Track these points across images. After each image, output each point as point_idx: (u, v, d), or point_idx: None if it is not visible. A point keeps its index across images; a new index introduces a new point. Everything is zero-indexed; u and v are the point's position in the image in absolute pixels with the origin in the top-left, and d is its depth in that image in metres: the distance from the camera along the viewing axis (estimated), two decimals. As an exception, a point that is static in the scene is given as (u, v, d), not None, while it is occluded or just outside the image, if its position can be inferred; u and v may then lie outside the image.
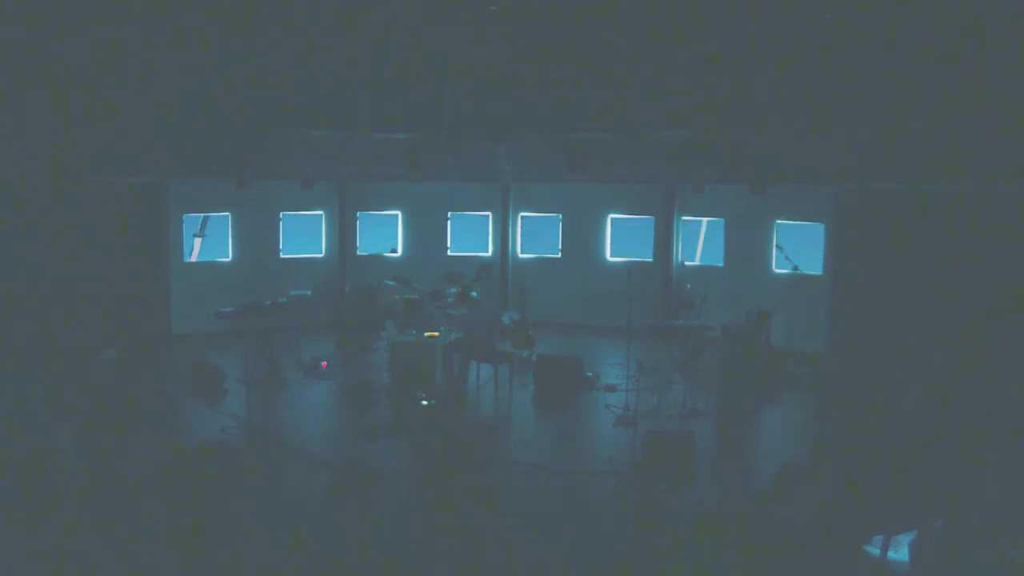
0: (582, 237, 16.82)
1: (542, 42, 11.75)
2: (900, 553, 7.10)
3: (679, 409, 11.45)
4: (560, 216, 16.99)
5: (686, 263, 15.67)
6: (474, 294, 14.55)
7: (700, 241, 18.61)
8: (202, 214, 16.16)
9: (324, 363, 13.37)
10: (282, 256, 16.40)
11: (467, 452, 9.21)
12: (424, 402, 11.53)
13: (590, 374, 12.94)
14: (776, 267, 14.92)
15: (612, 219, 16.69)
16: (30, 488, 8.09)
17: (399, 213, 17.17)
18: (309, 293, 14.43)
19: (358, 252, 17.05)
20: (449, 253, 17.05)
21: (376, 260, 16.95)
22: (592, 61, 12.01)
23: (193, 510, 8.07)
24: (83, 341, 12.63)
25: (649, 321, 14.01)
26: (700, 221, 17.59)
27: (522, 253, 17.22)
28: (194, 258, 16.32)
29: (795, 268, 13.91)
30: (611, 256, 16.70)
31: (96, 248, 13.75)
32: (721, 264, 15.72)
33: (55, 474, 8.39)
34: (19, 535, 7.47)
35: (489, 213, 17.19)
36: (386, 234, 17.31)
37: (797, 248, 14.10)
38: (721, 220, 15.74)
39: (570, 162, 13.76)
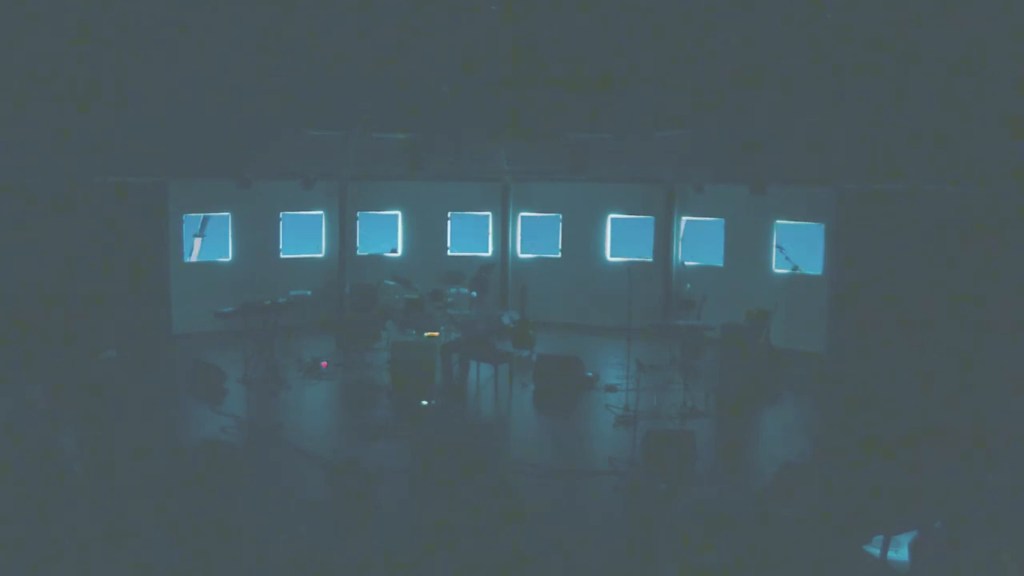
0: (582, 237, 16.83)
1: (542, 42, 11.75)
2: (900, 553, 7.10)
3: (679, 409, 11.46)
4: (560, 216, 16.99)
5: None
6: (474, 294, 14.55)
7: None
8: (202, 214, 16.10)
9: (324, 363, 13.38)
10: (282, 256, 16.41)
11: (467, 452, 9.20)
12: (424, 402, 11.54)
13: (590, 374, 12.95)
14: (776, 267, 14.93)
15: (612, 219, 16.70)
16: (33, 488, 8.09)
17: (399, 213, 17.17)
18: (309, 293, 14.43)
19: (358, 252, 17.05)
20: (449, 253, 17.06)
21: (376, 260, 16.95)
22: (592, 61, 12.01)
23: (193, 510, 8.07)
24: (83, 341, 12.63)
25: (649, 321, 14.02)
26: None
27: (522, 253, 17.23)
28: (194, 258, 16.31)
29: (795, 268, 13.90)
30: (611, 256, 16.70)
31: (96, 248, 13.75)
32: (721, 264, 15.72)
33: (58, 474, 8.38)
34: (22, 535, 7.47)
35: (489, 213, 17.19)
36: (386, 235, 17.30)
37: (797, 248, 14.10)
38: (721, 220, 15.75)
39: (573, 163, 13.76)
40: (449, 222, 17.16)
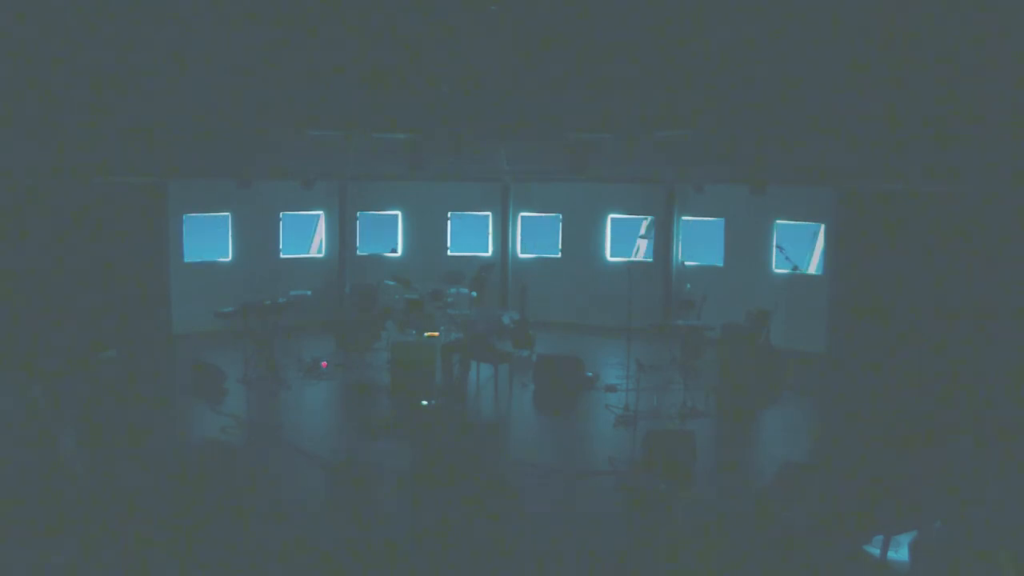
0: (582, 237, 16.82)
1: (542, 42, 11.74)
2: (900, 553, 7.10)
3: (679, 409, 11.46)
4: (560, 216, 16.99)
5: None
6: (474, 294, 14.55)
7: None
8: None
9: (324, 363, 13.38)
10: (282, 256, 16.41)
11: (467, 452, 9.21)
12: (424, 402, 11.53)
13: (590, 374, 12.94)
14: (776, 267, 14.92)
15: (612, 219, 16.69)
16: (33, 489, 8.09)
17: (399, 213, 17.17)
18: (309, 293, 14.43)
19: (358, 252, 17.05)
20: (449, 253, 17.05)
21: (376, 260, 16.95)
22: (592, 61, 12.01)
23: (193, 510, 8.07)
24: (83, 341, 12.62)
25: (649, 321, 14.01)
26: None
27: (522, 253, 17.22)
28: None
29: (795, 268, 13.90)
30: (611, 256, 16.70)
31: (96, 248, 13.75)
32: (721, 264, 15.72)
33: (58, 475, 8.38)
34: (22, 535, 7.47)
35: (489, 213, 17.19)
36: (386, 235, 17.30)
37: (797, 248, 14.11)
38: (721, 220, 15.75)
39: (573, 163, 13.76)
40: (449, 222, 17.16)
